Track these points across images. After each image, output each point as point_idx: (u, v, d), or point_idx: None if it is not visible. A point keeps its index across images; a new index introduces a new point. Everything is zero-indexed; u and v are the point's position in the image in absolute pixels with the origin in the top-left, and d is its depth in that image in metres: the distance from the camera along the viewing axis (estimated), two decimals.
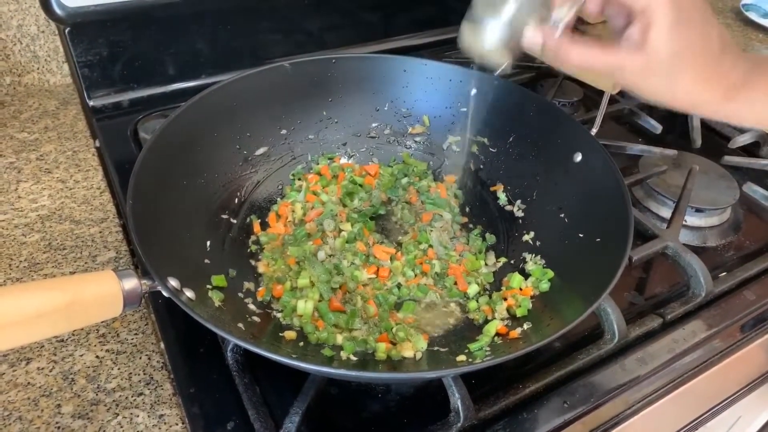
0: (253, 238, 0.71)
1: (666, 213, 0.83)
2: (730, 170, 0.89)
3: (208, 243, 0.64)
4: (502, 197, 0.77)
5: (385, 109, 0.81)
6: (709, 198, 0.83)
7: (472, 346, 0.58)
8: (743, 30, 1.35)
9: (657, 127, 0.96)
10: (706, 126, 1.00)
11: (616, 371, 0.61)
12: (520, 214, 0.75)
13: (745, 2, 1.41)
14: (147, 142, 0.60)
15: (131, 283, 0.46)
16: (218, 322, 0.52)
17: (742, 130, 0.98)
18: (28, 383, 0.56)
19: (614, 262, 0.52)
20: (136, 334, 0.62)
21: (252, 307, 0.62)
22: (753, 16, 1.35)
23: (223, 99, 0.71)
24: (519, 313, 0.62)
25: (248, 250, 0.70)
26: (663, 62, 0.45)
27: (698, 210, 0.82)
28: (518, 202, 0.76)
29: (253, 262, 0.69)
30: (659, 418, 0.65)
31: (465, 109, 0.79)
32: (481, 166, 0.80)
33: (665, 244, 0.72)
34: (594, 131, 0.78)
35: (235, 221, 0.71)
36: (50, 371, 0.58)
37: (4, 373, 0.57)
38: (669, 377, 0.63)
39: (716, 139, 1.00)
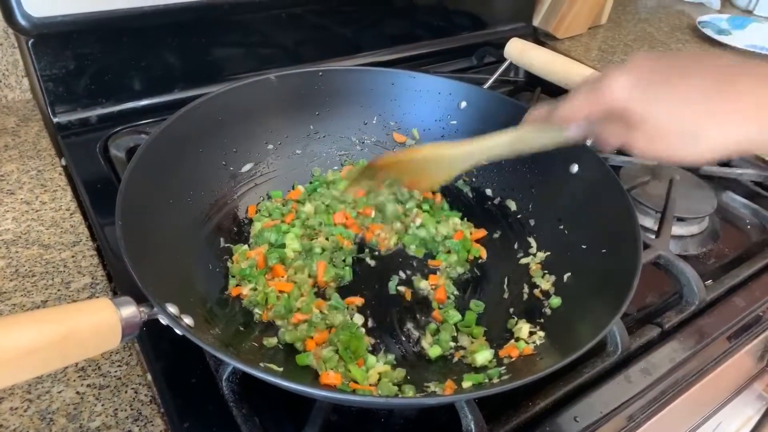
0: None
1: (649, 223, 0.84)
2: (704, 180, 0.91)
3: (199, 264, 0.61)
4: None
5: (374, 122, 0.80)
6: (689, 207, 0.85)
7: (469, 378, 0.56)
8: (700, 46, 1.41)
9: None
10: None
11: (622, 383, 0.61)
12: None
13: (702, 20, 1.47)
14: (132, 159, 0.56)
15: (129, 310, 0.42)
16: (225, 350, 0.49)
17: None
18: (0, 426, 0.51)
19: (627, 274, 0.52)
20: (119, 366, 0.57)
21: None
22: (709, 32, 1.42)
23: (207, 113, 0.67)
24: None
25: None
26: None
27: (680, 219, 0.83)
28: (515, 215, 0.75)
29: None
30: (663, 427, 0.65)
31: (455, 122, 0.78)
32: (474, 180, 0.79)
33: (658, 253, 0.72)
34: (590, 142, 0.78)
35: (224, 242, 0.67)
36: (25, 411, 0.52)
37: None
38: (672, 386, 0.63)
39: None
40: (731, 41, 1.38)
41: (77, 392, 0.55)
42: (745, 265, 0.78)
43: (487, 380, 0.54)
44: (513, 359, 0.56)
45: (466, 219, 0.77)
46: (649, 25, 1.50)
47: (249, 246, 0.68)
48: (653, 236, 0.77)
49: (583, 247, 0.63)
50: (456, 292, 0.68)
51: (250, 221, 0.71)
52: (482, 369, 0.58)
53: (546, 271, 0.67)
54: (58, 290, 0.64)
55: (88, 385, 0.55)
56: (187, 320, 0.48)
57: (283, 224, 0.70)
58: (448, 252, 0.71)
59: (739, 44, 1.37)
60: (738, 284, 0.75)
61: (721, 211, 0.89)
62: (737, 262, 0.80)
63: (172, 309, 0.46)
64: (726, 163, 1.00)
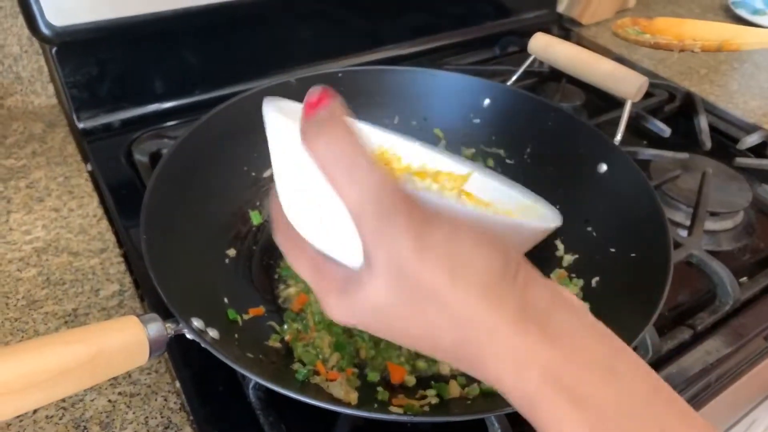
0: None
1: (680, 218, 0.82)
2: (739, 172, 0.88)
3: (224, 274, 0.61)
4: None
5: (395, 123, 0.78)
6: (722, 201, 0.82)
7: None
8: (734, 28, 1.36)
9: (665, 131, 0.95)
10: (713, 128, 1.00)
11: None
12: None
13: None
14: (153, 173, 0.57)
15: (156, 327, 0.42)
16: (247, 363, 0.49)
17: (749, 131, 0.98)
18: None
19: (657, 282, 0.50)
20: (149, 373, 0.58)
21: (277, 345, 0.59)
22: (743, 13, 1.36)
23: (228, 119, 0.67)
24: None
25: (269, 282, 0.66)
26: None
27: (713, 214, 0.81)
28: None
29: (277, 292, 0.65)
30: None
31: (478, 121, 0.76)
32: None
33: (690, 252, 0.70)
34: (618, 140, 0.76)
35: (250, 250, 0.67)
36: (60, 419, 0.54)
37: (10, 424, 0.53)
38: (705, 389, 0.61)
39: (723, 140, 0.99)
40: None
41: (109, 400, 0.56)
42: None
43: None
44: None
45: None
46: (679, 7, 1.44)
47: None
48: (685, 233, 0.75)
49: (612, 250, 0.61)
50: None
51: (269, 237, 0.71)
52: None
53: (573, 275, 0.65)
54: (88, 298, 0.65)
55: (120, 393, 0.56)
56: (213, 333, 0.48)
57: None
58: None
59: None
60: None
61: (757, 203, 0.86)
62: None
63: (197, 323, 0.46)
64: (762, 154, 0.96)
